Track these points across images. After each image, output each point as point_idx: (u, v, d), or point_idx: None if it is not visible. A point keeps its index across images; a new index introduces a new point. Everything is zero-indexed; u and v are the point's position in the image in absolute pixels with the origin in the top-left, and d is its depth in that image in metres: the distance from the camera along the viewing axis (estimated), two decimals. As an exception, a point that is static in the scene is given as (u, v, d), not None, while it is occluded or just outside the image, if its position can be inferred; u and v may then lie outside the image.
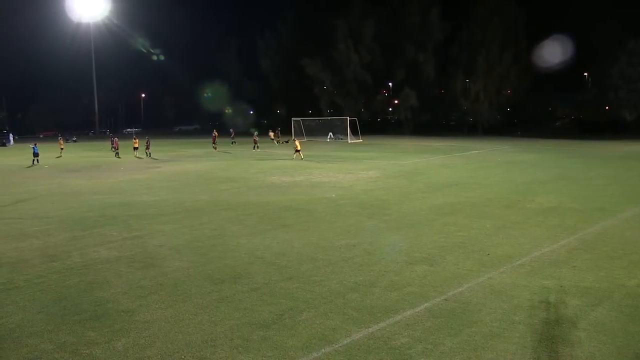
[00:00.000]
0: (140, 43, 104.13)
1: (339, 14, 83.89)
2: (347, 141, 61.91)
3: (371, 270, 11.24)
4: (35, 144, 41.15)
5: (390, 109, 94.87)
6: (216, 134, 53.95)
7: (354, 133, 63.69)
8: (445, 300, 9.48)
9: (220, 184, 25.76)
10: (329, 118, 74.16)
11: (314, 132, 69.73)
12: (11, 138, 78.45)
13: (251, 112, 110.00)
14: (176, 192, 23.59)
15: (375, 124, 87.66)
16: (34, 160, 39.36)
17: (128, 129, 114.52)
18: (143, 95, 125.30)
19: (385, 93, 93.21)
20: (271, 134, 62.18)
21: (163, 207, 19.61)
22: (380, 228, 15.58)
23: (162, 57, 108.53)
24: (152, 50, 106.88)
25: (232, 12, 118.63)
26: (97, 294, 10.12)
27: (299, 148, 39.94)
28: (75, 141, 73.05)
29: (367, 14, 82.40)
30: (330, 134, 67.81)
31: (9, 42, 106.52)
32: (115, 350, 7.71)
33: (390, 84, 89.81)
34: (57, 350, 7.72)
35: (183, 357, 7.47)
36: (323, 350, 7.59)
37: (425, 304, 9.26)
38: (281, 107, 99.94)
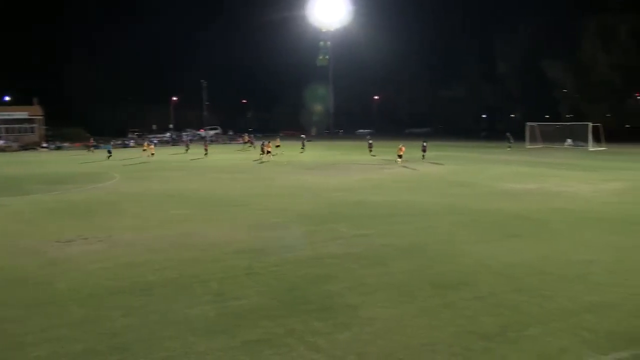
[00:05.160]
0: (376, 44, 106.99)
1: (587, 11, 77.58)
2: (588, 149, 57.03)
3: (611, 291, 10.18)
4: (111, 143, 58.55)
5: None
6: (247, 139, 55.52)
7: (597, 140, 58.39)
8: None
9: (451, 188, 25.56)
10: (568, 124, 69.04)
11: (550, 138, 65.42)
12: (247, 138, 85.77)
13: (484, 117, 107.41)
14: (406, 193, 23.96)
15: (623, 131, 79.38)
16: (108, 156, 50.55)
17: (360, 130, 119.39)
18: (376, 97, 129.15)
19: (639, 96, 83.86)
20: (245, 136, 59.68)
21: (392, 208, 20.06)
22: (625, 245, 13.96)
23: (326, 60, 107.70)
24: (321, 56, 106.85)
25: (472, 13, 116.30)
26: (324, 286, 10.70)
27: (269, 150, 46.64)
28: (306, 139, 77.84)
29: (623, 8, 74.55)
30: (569, 140, 63.14)
31: (258, 46, 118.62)
32: (338, 342, 8.07)
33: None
34: (286, 335, 8.34)
35: (402, 357, 7.55)
36: (550, 370, 7.11)
37: (680, 338, 8.10)
38: (517, 110, 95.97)
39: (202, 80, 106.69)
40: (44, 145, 75.96)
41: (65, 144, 77.00)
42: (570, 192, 24.01)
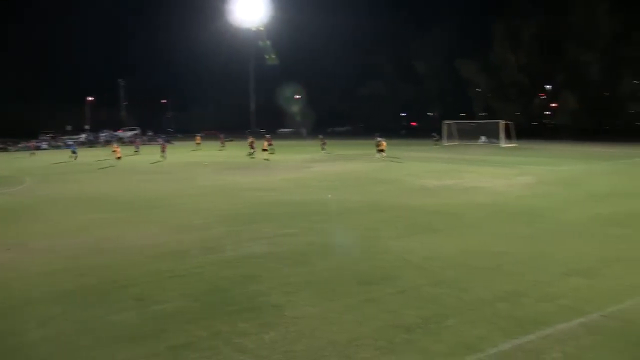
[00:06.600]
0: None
1: (496, 14, 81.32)
2: (500, 145, 59.67)
3: (522, 280, 10.78)
4: (74, 143, 58.02)
5: (547, 113, 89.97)
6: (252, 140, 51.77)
7: (508, 137, 61.24)
8: (604, 316, 8.84)
9: (373, 186, 26.06)
10: (482, 121, 71.90)
11: (466, 135, 67.92)
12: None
13: (403, 115, 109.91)
14: (330, 192, 24.20)
15: (531, 129, 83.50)
16: (73, 157, 46.66)
17: (282, 129, 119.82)
18: (297, 96, 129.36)
19: (543, 96, 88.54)
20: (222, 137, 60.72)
21: (315, 206, 20.25)
22: (534, 236, 14.83)
23: (273, 59, 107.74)
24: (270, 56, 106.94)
25: (388, 12, 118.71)
26: (249, 287, 10.67)
27: (265, 147, 46.85)
28: (231, 140, 76.82)
29: (527, 13, 78.72)
30: (483, 137, 65.81)
31: (176, 45, 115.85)
32: (264, 342, 8.09)
33: (548, 86, 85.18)
34: (211, 337, 8.28)
35: (327, 354, 7.66)
36: (468, 358, 7.44)
37: (580, 319, 8.70)
38: (434, 109, 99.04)
39: (119, 79, 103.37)
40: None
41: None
42: (486, 187, 25.08)
